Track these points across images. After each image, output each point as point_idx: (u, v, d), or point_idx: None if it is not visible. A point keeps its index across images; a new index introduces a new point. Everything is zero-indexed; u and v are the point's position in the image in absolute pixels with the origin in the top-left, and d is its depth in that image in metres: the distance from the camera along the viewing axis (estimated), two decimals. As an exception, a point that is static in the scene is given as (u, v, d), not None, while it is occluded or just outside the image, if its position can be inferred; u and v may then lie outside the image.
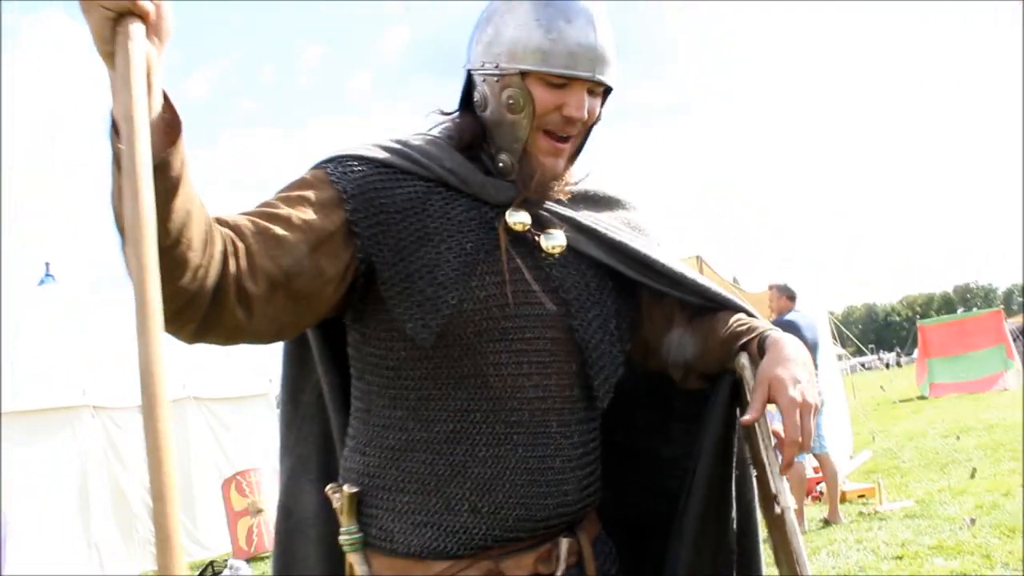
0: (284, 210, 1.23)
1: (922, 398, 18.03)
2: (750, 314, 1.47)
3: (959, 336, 18.35)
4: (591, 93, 1.34)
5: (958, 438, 10.49)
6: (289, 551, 1.49)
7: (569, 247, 1.39)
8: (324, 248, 1.24)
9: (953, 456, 8.95)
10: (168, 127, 1.01)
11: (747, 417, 1.27)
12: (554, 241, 1.36)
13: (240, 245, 1.16)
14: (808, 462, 7.84)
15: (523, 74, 1.30)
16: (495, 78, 1.32)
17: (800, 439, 1.22)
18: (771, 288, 7.32)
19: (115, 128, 0.94)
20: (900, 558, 5.26)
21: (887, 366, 47.70)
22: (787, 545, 1.25)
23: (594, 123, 1.40)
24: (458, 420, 1.30)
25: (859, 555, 5.53)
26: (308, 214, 1.23)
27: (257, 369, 11.84)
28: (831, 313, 12.14)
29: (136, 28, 0.92)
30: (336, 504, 1.36)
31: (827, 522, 6.69)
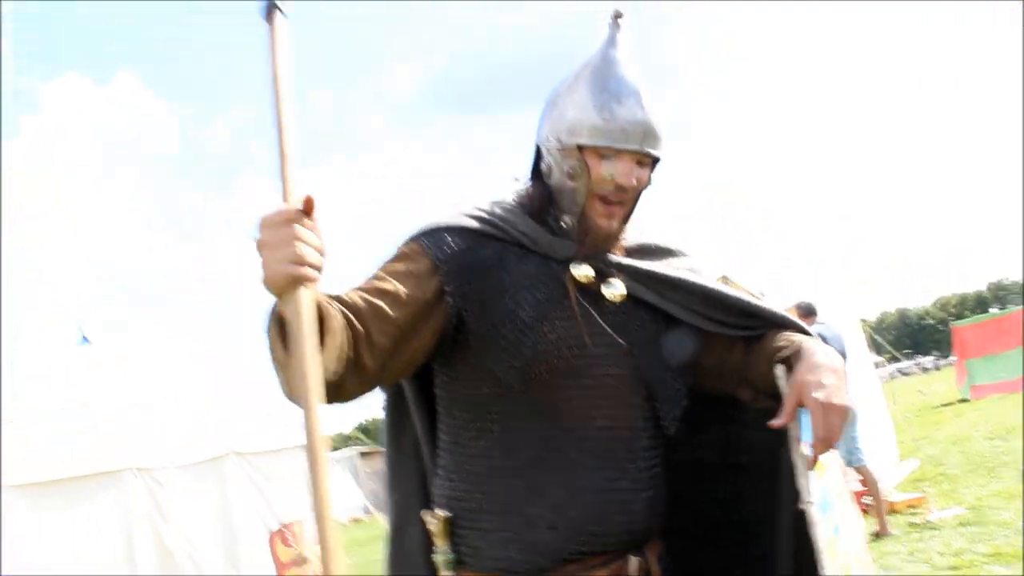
0: (391, 285, 1.44)
1: (964, 401, 17.71)
2: (799, 328, 1.59)
3: (996, 335, 18.02)
4: (640, 164, 1.53)
5: (1005, 439, 10.28)
6: None
7: (629, 295, 1.56)
8: (424, 315, 1.46)
9: (1002, 459, 8.77)
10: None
11: (777, 421, 1.38)
12: (615, 290, 1.54)
13: (360, 330, 1.36)
14: (853, 476, 7.75)
15: (580, 148, 1.51)
16: (558, 151, 1.53)
17: (827, 436, 1.33)
18: (794, 307, 7.29)
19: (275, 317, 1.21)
20: (955, 568, 5.16)
21: (925, 371, 47.06)
22: (809, 542, 1.34)
23: (644, 188, 1.57)
24: (536, 448, 1.48)
25: (913, 567, 5.44)
26: (410, 287, 1.45)
27: (296, 421, 11.88)
28: (863, 321, 12.00)
29: (306, 293, 1.16)
30: (431, 527, 1.55)
31: (878, 535, 6.58)
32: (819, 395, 1.34)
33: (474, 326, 1.49)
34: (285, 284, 1.15)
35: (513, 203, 1.62)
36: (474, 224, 1.55)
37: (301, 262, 1.14)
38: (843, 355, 6.78)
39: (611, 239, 1.58)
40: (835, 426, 1.33)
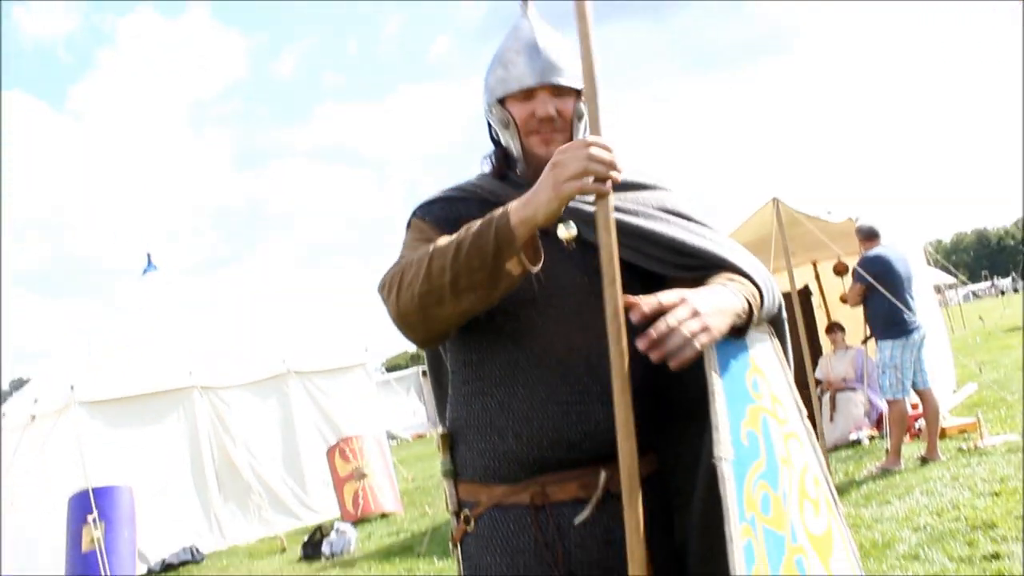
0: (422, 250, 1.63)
1: (1037, 325, 17.17)
2: (738, 269, 1.60)
3: (1074, 257, 17.25)
4: (556, 96, 1.70)
5: (1072, 365, 9.98)
6: None
7: (585, 238, 1.65)
8: None
9: (1065, 385, 8.55)
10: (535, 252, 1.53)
11: (639, 341, 1.39)
12: (568, 231, 1.65)
13: None
14: (909, 399, 7.66)
15: (501, 102, 1.74)
16: (491, 113, 1.77)
17: (655, 348, 1.36)
18: (856, 232, 7.12)
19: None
20: (997, 494, 5.10)
21: (1002, 293, 45.44)
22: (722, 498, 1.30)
23: (577, 115, 1.72)
24: (504, 369, 1.66)
25: (954, 492, 5.40)
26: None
27: (353, 341, 12.24)
28: (935, 242, 11.65)
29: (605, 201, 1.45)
30: (435, 443, 1.79)
31: (924, 460, 6.54)
32: (671, 319, 1.37)
33: None
34: (569, 193, 1.42)
35: (485, 172, 1.85)
36: (452, 193, 1.81)
37: (590, 168, 1.40)
38: (909, 277, 6.70)
39: None
40: (672, 346, 1.36)
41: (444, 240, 1.56)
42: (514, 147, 1.76)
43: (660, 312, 1.39)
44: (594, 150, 1.40)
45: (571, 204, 1.65)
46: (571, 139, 1.71)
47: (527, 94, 1.70)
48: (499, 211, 1.47)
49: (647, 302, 1.40)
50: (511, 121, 1.73)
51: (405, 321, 1.58)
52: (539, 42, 1.72)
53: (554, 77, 1.69)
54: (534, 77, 1.69)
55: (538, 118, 1.69)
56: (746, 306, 1.49)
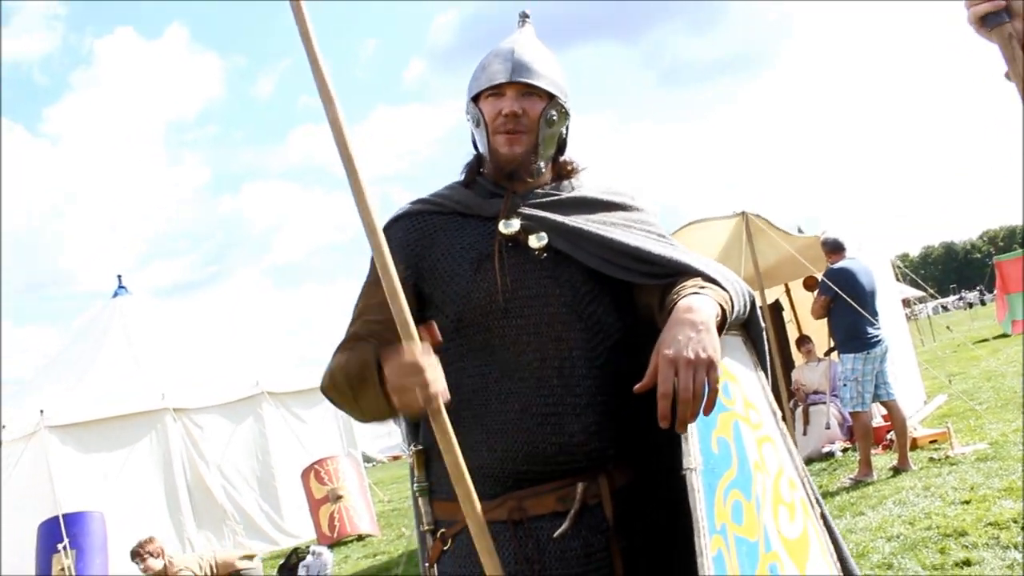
0: (375, 300, 1.66)
1: (1004, 336, 17.44)
2: (702, 274, 1.60)
3: (1038, 269, 17.59)
4: (525, 96, 1.72)
5: (1038, 376, 10.16)
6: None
7: (556, 248, 1.69)
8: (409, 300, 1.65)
9: (1031, 395, 8.69)
10: None
11: (637, 385, 1.39)
12: (539, 241, 1.69)
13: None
14: (876, 410, 7.74)
15: (474, 100, 1.77)
16: (467, 115, 1.81)
17: (666, 391, 1.33)
18: (822, 244, 7.23)
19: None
20: (967, 502, 5.16)
21: (969, 306, 46.18)
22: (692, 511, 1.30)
23: (541, 117, 1.73)
24: (476, 382, 1.65)
25: (926, 502, 5.46)
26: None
27: (327, 362, 12.13)
28: (902, 255, 11.84)
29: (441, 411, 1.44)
30: (408, 460, 1.77)
31: (897, 470, 6.61)
32: (669, 351, 1.36)
33: (426, 289, 1.73)
34: (419, 412, 1.45)
35: (455, 182, 1.87)
36: (415, 207, 1.83)
37: (431, 397, 1.42)
38: (873, 291, 6.80)
39: (519, 167, 1.74)
40: (686, 380, 1.32)
41: (344, 359, 1.64)
42: (482, 145, 1.78)
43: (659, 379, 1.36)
44: (428, 371, 1.42)
45: (540, 213, 1.72)
46: (536, 142, 1.74)
47: (497, 91, 1.73)
48: (372, 365, 1.50)
49: (644, 383, 1.38)
50: (481, 119, 1.76)
51: (349, 415, 1.73)
52: (516, 48, 1.76)
53: (524, 76, 1.72)
54: (504, 75, 1.73)
55: (503, 115, 1.71)
56: (719, 311, 1.49)
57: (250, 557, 7.00)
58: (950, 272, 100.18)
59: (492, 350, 1.65)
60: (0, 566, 8.77)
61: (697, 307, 1.44)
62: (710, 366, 1.34)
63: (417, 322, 1.59)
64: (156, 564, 6.51)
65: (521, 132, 1.72)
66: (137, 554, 6.56)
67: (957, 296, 54.88)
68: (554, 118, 1.75)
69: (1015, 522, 4.54)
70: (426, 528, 1.72)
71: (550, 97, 1.74)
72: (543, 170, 1.78)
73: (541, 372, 1.62)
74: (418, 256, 1.75)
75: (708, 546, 1.28)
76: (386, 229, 1.76)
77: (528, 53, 1.76)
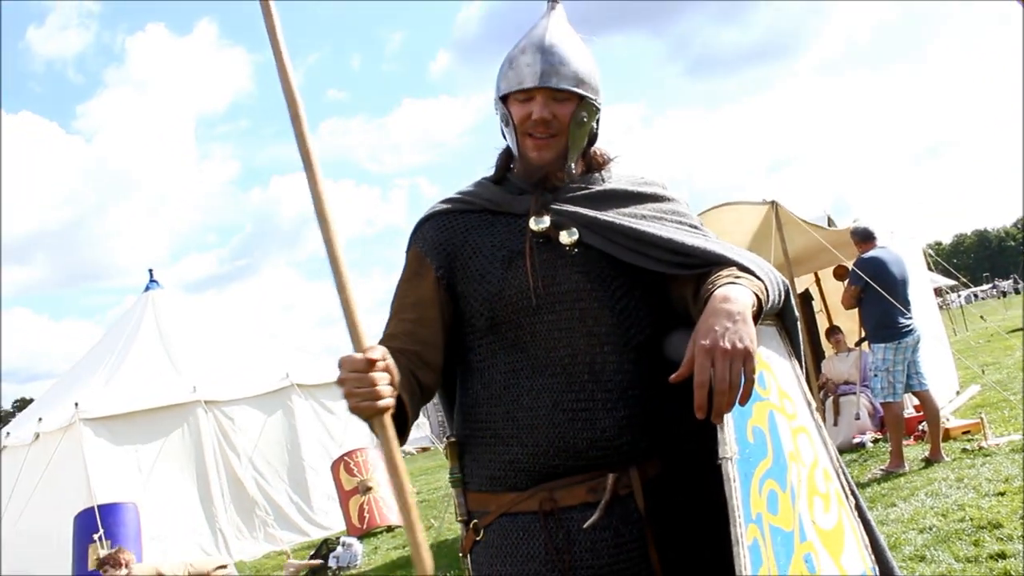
0: (410, 299, 1.74)
1: (1038, 325, 17.15)
2: (735, 263, 1.57)
3: (1074, 257, 17.23)
4: (557, 100, 1.70)
5: (1074, 365, 9.98)
6: None
7: (588, 243, 1.69)
8: (438, 300, 1.74)
9: (1067, 384, 8.55)
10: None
11: (673, 375, 1.38)
12: (570, 237, 1.69)
13: (419, 379, 1.66)
14: (908, 401, 7.65)
15: (503, 100, 1.75)
16: (497, 113, 1.79)
17: (703, 380, 1.32)
18: (852, 234, 7.15)
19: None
20: (1002, 494, 5.10)
21: (1003, 294, 45.39)
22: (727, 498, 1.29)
23: (572, 122, 1.71)
24: (508, 378, 1.67)
25: (959, 493, 5.40)
26: (419, 290, 1.75)
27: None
28: (934, 244, 11.70)
29: (387, 419, 1.45)
30: (444, 452, 1.84)
31: (929, 461, 6.54)
32: (706, 341, 1.34)
33: (459, 288, 1.74)
34: (367, 417, 1.45)
35: (485, 178, 1.86)
36: (445, 206, 1.82)
37: (375, 402, 1.42)
38: (905, 280, 6.71)
39: (550, 172, 1.74)
40: (723, 370, 1.31)
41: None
42: (512, 146, 1.77)
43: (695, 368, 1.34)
44: (346, 385, 1.43)
45: (571, 208, 1.72)
46: (566, 145, 1.72)
47: (526, 95, 1.70)
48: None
49: (680, 372, 1.36)
50: (510, 119, 1.74)
51: None
52: (547, 42, 1.71)
53: (553, 81, 1.69)
54: (533, 79, 1.69)
55: (533, 120, 1.70)
56: (755, 300, 1.46)
57: (224, 567, 6.99)
58: (983, 260, 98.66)
59: (523, 346, 1.67)
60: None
61: (733, 297, 1.42)
62: (747, 356, 1.33)
63: (452, 323, 1.67)
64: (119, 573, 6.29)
65: (551, 136, 1.71)
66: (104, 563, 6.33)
67: (991, 284, 54.02)
68: (584, 119, 1.73)
69: (1051, 514, 4.48)
70: (459, 519, 1.75)
71: (580, 98, 1.71)
72: (574, 171, 1.76)
73: (572, 368, 1.63)
74: (450, 255, 1.75)
75: (744, 535, 1.28)
76: (417, 229, 1.82)
77: (558, 48, 1.71)
